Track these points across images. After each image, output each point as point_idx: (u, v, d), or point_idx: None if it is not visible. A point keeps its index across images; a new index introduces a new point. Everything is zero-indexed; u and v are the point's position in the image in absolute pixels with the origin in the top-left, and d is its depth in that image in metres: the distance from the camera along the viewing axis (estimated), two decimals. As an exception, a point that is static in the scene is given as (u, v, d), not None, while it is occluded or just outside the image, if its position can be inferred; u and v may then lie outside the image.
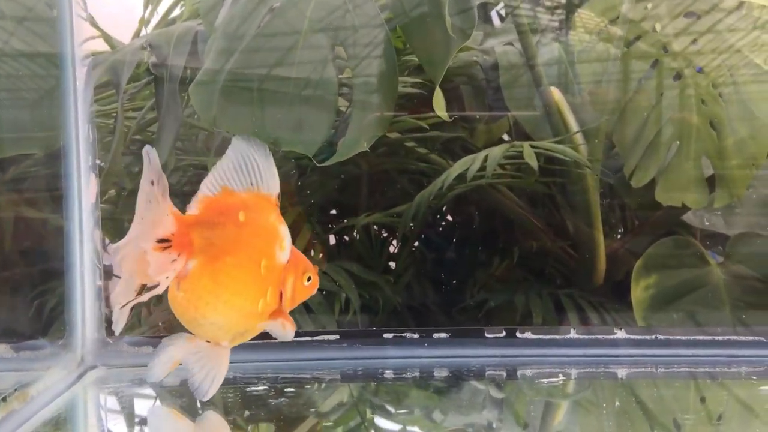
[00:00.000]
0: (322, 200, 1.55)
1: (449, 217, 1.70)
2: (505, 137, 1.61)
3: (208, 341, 0.91)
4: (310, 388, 1.04)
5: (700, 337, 1.09)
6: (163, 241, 0.86)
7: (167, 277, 0.87)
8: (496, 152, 1.32)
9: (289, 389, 1.04)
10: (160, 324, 1.40)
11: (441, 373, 1.05)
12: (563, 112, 1.42)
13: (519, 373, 1.05)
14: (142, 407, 1.04)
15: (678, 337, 1.08)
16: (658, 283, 1.35)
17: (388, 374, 1.06)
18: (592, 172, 1.43)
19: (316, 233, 1.52)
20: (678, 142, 1.40)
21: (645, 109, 1.44)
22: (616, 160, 1.53)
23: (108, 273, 1.98)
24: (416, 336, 1.14)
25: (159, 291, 0.87)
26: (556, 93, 1.43)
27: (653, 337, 1.08)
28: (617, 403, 0.96)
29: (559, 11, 1.61)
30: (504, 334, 1.11)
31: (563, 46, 1.57)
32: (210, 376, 0.92)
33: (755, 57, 1.26)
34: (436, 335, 1.12)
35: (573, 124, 1.43)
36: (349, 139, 1.10)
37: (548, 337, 1.10)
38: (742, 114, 1.30)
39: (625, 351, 1.06)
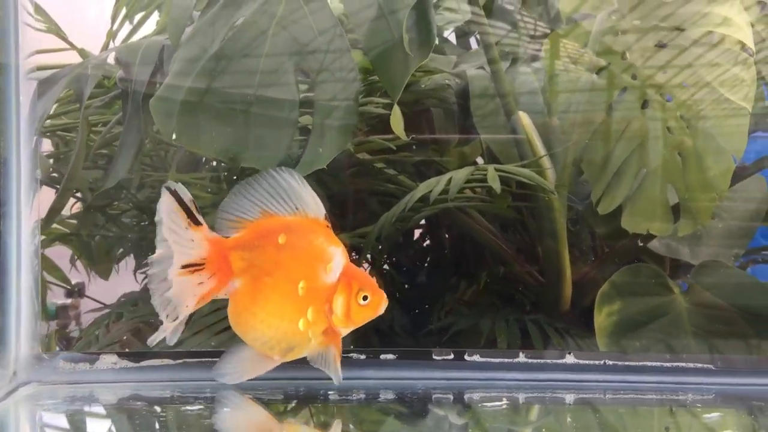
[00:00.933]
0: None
1: (419, 240, 1.69)
2: (480, 160, 1.62)
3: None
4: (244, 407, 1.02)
5: (648, 363, 1.08)
6: (190, 266, 0.94)
7: (195, 295, 0.95)
8: (460, 174, 1.32)
9: (225, 409, 1.02)
10: (117, 342, 1.37)
11: (387, 396, 1.04)
12: (531, 136, 1.42)
13: (466, 396, 1.03)
14: (75, 425, 1.01)
15: (626, 363, 1.08)
16: (621, 310, 1.34)
17: (332, 396, 1.04)
18: (558, 198, 1.43)
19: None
20: (645, 170, 1.40)
21: (613, 136, 1.45)
22: (585, 187, 1.53)
23: (72, 292, 1.96)
24: (362, 357, 1.12)
25: (187, 311, 0.95)
26: (524, 118, 1.43)
27: (602, 362, 1.07)
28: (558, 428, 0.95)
29: (532, 36, 1.63)
30: (452, 356, 1.10)
31: (534, 71, 1.58)
32: (239, 370, 0.98)
33: (724, 90, 1.27)
34: (383, 356, 1.10)
35: (541, 149, 1.43)
36: (308, 158, 1.10)
37: (497, 360, 1.09)
38: (708, 145, 1.30)
39: (574, 376, 1.05)
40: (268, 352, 0.98)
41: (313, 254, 0.96)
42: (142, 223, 1.64)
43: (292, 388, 1.08)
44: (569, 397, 1.01)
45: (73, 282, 1.94)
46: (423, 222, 1.69)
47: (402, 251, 1.68)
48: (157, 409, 0.98)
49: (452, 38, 1.85)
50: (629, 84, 1.41)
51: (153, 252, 0.99)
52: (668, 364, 1.08)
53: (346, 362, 1.09)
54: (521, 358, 1.09)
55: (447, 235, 1.66)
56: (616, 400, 1.01)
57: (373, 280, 0.99)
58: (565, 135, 1.50)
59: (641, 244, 1.46)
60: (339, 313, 0.96)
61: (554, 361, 1.08)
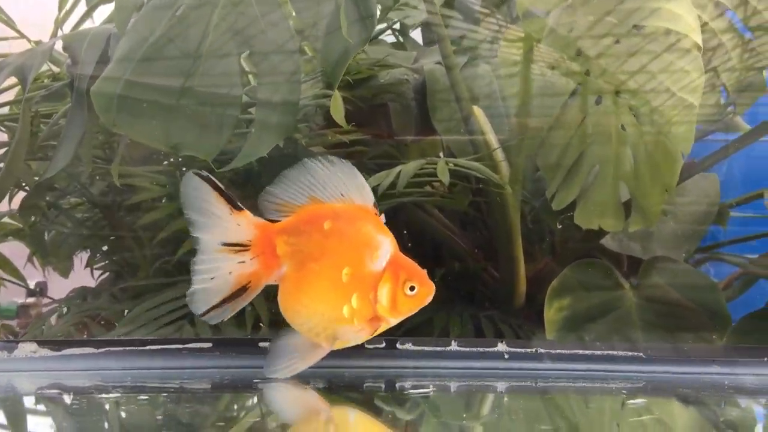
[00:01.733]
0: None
1: None
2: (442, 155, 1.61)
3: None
4: (167, 397, 1.00)
5: (580, 352, 1.08)
6: (232, 245, 0.95)
7: (230, 273, 0.95)
8: (409, 168, 1.31)
9: (142, 397, 1.00)
10: (60, 334, 1.35)
11: (317, 384, 1.02)
12: (485, 131, 1.42)
13: (398, 385, 1.03)
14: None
15: (558, 351, 1.08)
16: (571, 305, 1.35)
17: (262, 384, 1.03)
18: (512, 194, 1.43)
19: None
20: (597, 167, 1.40)
21: (568, 132, 1.45)
22: (543, 183, 1.53)
23: (34, 291, 1.92)
24: None
25: (231, 287, 0.95)
26: (478, 112, 1.43)
27: (534, 350, 1.07)
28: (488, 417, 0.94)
29: (489, 30, 1.63)
30: (384, 345, 1.09)
31: (492, 66, 1.58)
32: (288, 363, 0.97)
33: (672, 86, 1.28)
34: None
35: (495, 144, 1.43)
36: (249, 148, 1.09)
37: (429, 348, 1.08)
38: (657, 142, 1.31)
39: (507, 364, 1.04)
40: (314, 339, 0.97)
41: (359, 241, 0.96)
42: (96, 218, 1.62)
43: (217, 376, 1.06)
44: (501, 386, 1.01)
45: (37, 280, 1.91)
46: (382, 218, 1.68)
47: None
48: (75, 397, 0.96)
49: (419, 34, 1.85)
50: (584, 80, 1.41)
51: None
52: (599, 353, 1.09)
53: None
54: (453, 346, 1.08)
55: (405, 231, 1.65)
56: (547, 388, 1.01)
57: (423, 271, 0.98)
58: (522, 131, 1.50)
59: (595, 241, 1.47)
60: (384, 302, 0.95)
61: (486, 349, 1.07)
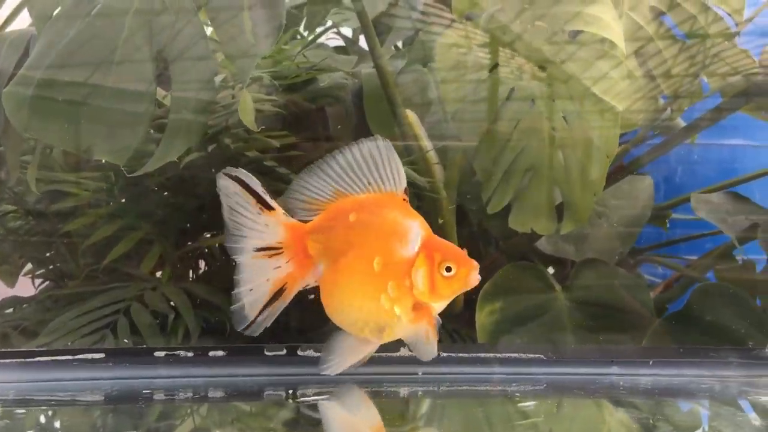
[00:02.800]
0: (179, 220, 1.50)
1: None
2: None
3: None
4: (50, 409, 0.96)
5: (482, 355, 1.08)
6: (265, 250, 0.93)
7: (267, 280, 0.94)
8: None
9: (18, 411, 0.96)
10: None
11: (215, 394, 1.01)
12: (418, 134, 1.42)
13: (299, 392, 1.01)
14: None
15: (461, 355, 1.07)
16: (503, 308, 1.35)
17: (158, 396, 1.01)
18: (446, 198, 1.43)
19: (168, 253, 1.46)
20: (531, 170, 1.41)
21: (504, 135, 1.45)
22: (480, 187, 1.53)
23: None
24: (190, 354, 1.08)
25: (265, 296, 0.94)
26: (411, 116, 1.42)
27: (437, 354, 1.06)
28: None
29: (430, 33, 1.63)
30: (285, 352, 1.08)
31: (430, 70, 1.58)
32: (339, 359, 0.96)
33: (597, 90, 1.29)
34: (212, 353, 1.07)
35: (428, 147, 1.42)
36: (161, 151, 1.07)
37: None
38: (585, 144, 1.32)
39: (410, 369, 1.03)
40: (360, 334, 0.96)
41: (386, 229, 0.94)
42: (28, 226, 1.59)
43: (108, 387, 1.03)
44: (404, 390, 1.00)
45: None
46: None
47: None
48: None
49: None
50: (517, 84, 1.42)
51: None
52: (501, 355, 1.08)
53: (173, 360, 1.04)
54: None
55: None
56: (450, 392, 1.00)
57: (462, 251, 0.95)
58: (458, 134, 1.50)
59: (531, 244, 1.47)
60: (421, 286, 0.93)
61: (389, 354, 1.06)
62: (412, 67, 1.62)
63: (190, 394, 1.01)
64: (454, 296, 0.96)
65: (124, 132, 1.05)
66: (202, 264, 1.59)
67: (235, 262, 0.98)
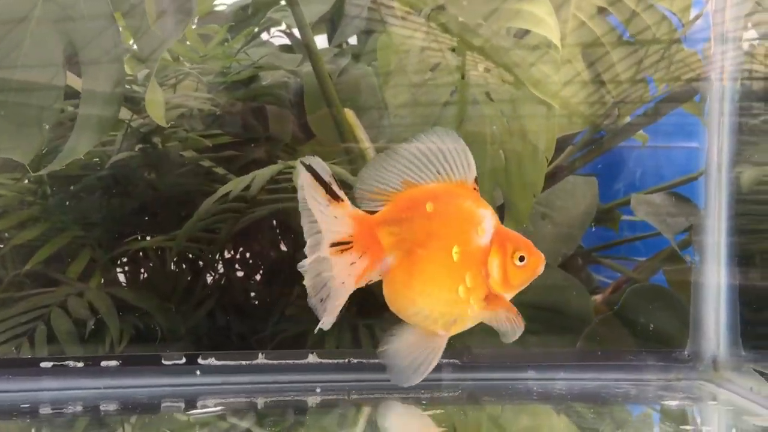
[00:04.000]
0: (111, 222, 1.45)
1: (254, 244, 1.63)
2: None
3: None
4: None
5: None
6: (339, 245, 0.89)
7: (350, 275, 0.91)
8: (265, 173, 1.26)
9: None
10: None
11: (108, 407, 0.96)
12: (357, 133, 1.39)
13: (199, 403, 0.97)
14: None
15: (371, 361, 1.04)
16: (442, 312, 1.31)
17: (45, 409, 0.95)
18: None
19: (99, 257, 1.41)
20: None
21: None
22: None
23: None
24: (81, 365, 1.04)
25: (345, 292, 0.91)
26: (350, 115, 1.39)
27: (346, 361, 1.03)
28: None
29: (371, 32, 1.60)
30: (184, 360, 1.03)
31: (374, 69, 1.55)
32: (415, 363, 0.92)
33: (534, 89, 1.27)
34: (104, 363, 1.02)
35: (367, 148, 1.39)
36: (68, 149, 1.02)
37: (234, 363, 1.02)
38: (524, 144, 1.30)
39: (318, 377, 1.00)
40: (431, 327, 0.93)
41: (463, 218, 0.92)
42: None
43: None
44: (312, 400, 0.96)
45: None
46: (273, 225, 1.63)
47: (237, 254, 1.61)
48: None
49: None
50: (459, 84, 1.40)
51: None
52: None
53: (61, 371, 0.98)
54: (260, 359, 1.03)
55: (283, 238, 1.60)
56: (359, 400, 0.97)
57: (529, 241, 0.94)
58: (402, 134, 1.47)
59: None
60: (496, 276, 0.92)
61: (296, 361, 1.03)
62: (356, 66, 1.59)
63: (80, 408, 0.96)
64: (523, 287, 0.96)
65: (29, 126, 1.00)
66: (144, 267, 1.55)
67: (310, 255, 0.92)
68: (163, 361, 1.01)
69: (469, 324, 0.95)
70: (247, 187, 1.27)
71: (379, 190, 0.94)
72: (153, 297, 1.37)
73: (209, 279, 1.64)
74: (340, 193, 0.91)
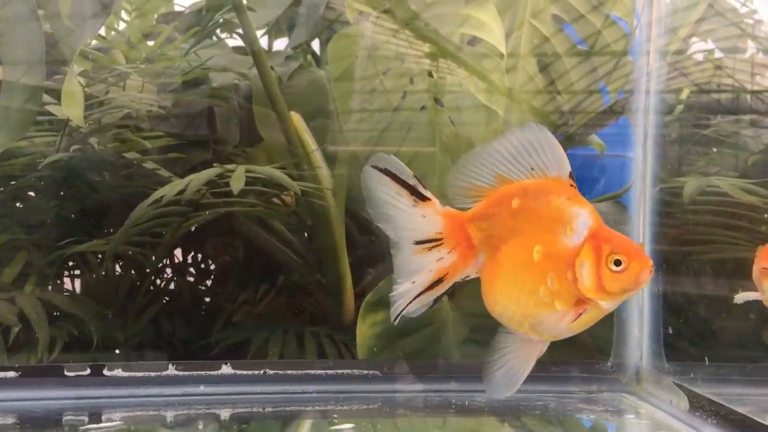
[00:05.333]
0: (50, 225, 1.41)
1: (202, 249, 1.60)
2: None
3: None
4: None
5: (311, 372, 1.02)
6: (426, 242, 0.87)
7: (430, 271, 0.87)
8: (201, 176, 1.24)
9: None
10: None
11: (6, 420, 0.91)
12: (304, 137, 1.37)
13: (105, 416, 0.93)
14: None
15: (287, 372, 1.02)
16: (386, 319, 1.29)
17: None
18: (334, 205, 1.38)
19: (36, 260, 1.36)
20: (421, 177, 1.37)
21: (397, 140, 1.41)
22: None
23: None
24: None
25: (438, 291, 0.88)
26: (296, 118, 1.37)
27: (262, 372, 1.01)
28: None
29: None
30: (89, 371, 1.00)
31: (326, 72, 1.54)
32: (509, 373, 0.88)
33: (480, 95, 1.27)
34: (1, 374, 0.97)
35: (313, 152, 1.37)
36: None
37: (141, 374, 0.99)
38: (468, 145, 1.29)
39: (232, 389, 0.97)
40: (518, 329, 0.88)
41: (550, 216, 0.86)
42: None
43: None
44: (224, 413, 0.93)
45: None
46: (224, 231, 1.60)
47: (183, 261, 1.58)
48: None
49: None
50: (409, 89, 1.38)
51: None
52: (332, 372, 1.03)
53: None
54: (170, 370, 1.00)
55: (229, 244, 1.57)
56: (275, 413, 0.94)
57: (637, 245, 0.86)
58: (352, 138, 1.45)
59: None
60: (585, 280, 0.84)
61: (208, 372, 1.00)
62: (308, 70, 1.57)
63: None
64: (626, 296, 0.86)
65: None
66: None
67: (393, 253, 0.89)
68: (65, 373, 0.97)
69: (558, 331, 0.87)
70: (182, 191, 1.24)
71: (472, 186, 0.90)
72: (90, 303, 1.33)
73: (157, 284, 1.61)
74: (426, 192, 0.89)
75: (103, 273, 1.46)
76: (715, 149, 1.52)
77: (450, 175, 0.92)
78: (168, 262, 1.62)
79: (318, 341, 1.39)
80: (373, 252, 1.57)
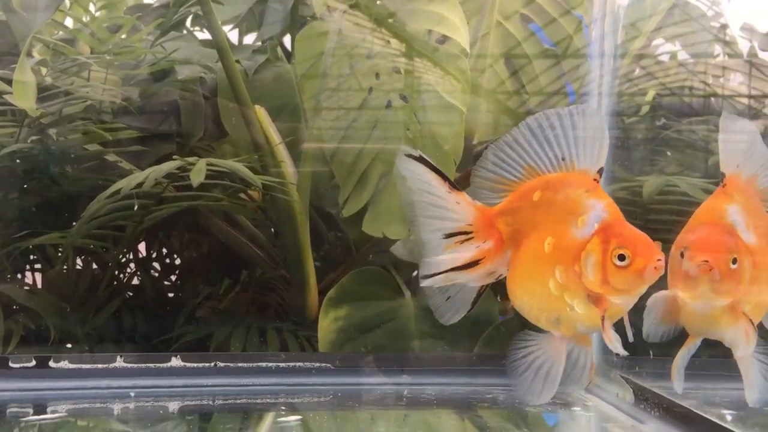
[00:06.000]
0: (7, 218, 1.38)
1: (163, 246, 1.58)
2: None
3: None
4: None
5: (263, 365, 1.02)
6: (456, 234, 0.85)
7: (457, 262, 0.85)
8: (161, 169, 1.23)
9: None
10: None
11: None
12: (268, 131, 1.36)
13: (50, 409, 0.92)
14: None
15: (238, 365, 1.02)
16: (348, 315, 1.30)
17: None
18: (298, 201, 1.37)
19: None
20: (386, 174, 1.38)
21: (362, 137, 1.41)
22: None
23: None
24: None
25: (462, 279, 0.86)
26: (260, 112, 1.36)
27: (212, 365, 1.00)
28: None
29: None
30: (34, 363, 0.98)
31: (293, 67, 1.53)
32: (537, 374, 0.84)
33: (443, 93, 1.27)
34: None
35: (277, 146, 1.37)
36: None
37: (89, 366, 0.98)
38: (435, 147, 1.30)
39: (182, 381, 0.97)
40: (536, 323, 0.85)
41: (565, 208, 0.82)
42: None
43: None
44: (173, 405, 0.93)
45: None
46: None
47: (148, 255, 1.56)
48: None
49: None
50: (375, 84, 1.38)
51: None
52: (284, 365, 1.03)
53: None
54: (119, 362, 0.99)
55: (194, 239, 1.56)
56: (226, 406, 0.94)
57: (648, 240, 0.79)
58: (317, 135, 1.45)
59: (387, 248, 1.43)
60: (590, 274, 0.79)
61: (157, 365, 0.99)
62: (275, 64, 1.56)
63: None
64: (634, 292, 0.80)
65: None
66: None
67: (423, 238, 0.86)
68: (10, 364, 0.95)
69: (581, 327, 0.82)
70: (141, 184, 1.22)
71: (498, 179, 0.87)
72: (48, 297, 1.31)
73: (120, 279, 1.59)
74: (456, 186, 0.86)
75: (65, 267, 1.44)
76: (674, 151, 1.55)
77: (476, 167, 0.89)
78: (132, 257, 1.61)
79: (281, 337, 1.39)
80: (338, 248, 1.57)
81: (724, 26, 1.66)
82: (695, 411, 0.89)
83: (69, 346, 1.20)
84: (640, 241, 0.80)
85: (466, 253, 0.87)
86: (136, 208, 1.31)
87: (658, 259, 0.78)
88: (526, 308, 0.87)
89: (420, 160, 0.86)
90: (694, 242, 0.86)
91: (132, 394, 0.92)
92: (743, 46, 1.62)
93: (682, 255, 0.85)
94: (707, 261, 0.83)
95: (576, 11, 1.48)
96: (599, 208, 0.82)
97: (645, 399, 0.98)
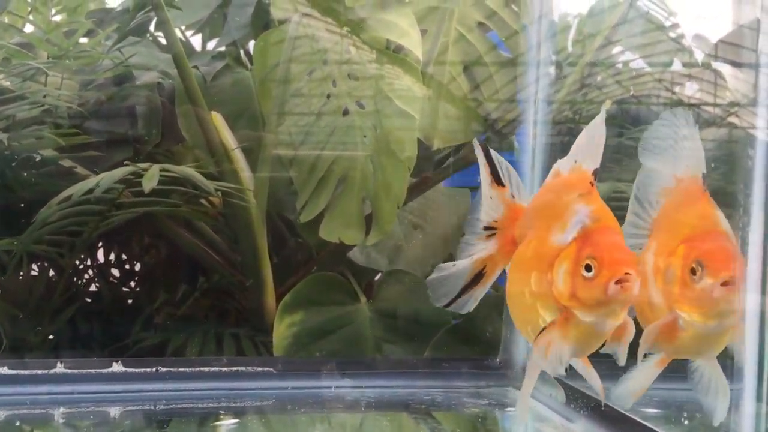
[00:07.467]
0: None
1: (121, 252, 1.57)
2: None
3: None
4: None
5: (205, 369, 1.03)
6: (486, 229, 0.83)
7: (470, 256, 0.82)
8: (114, 174, 1.22)
9: None
10: None
11: None
12: (224, 137, 1.36)
13: None
14: None
15: (181, 370, 1.02)
16: (303, 320, 1.31)
17: None
18: (255, 206, 1.38)
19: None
20: (343, 180, 1.39)
21: (320, 143, 1.42)
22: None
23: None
24: None
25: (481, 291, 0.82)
26: (216, 118, 1.37)
27: (154, 370, 1.01)
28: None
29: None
30: None
31: (252, 73, 1.53)
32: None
33: (398, 101, 1.29)
34: None
35: (234, 150, 1.37)
36: None
37: (27, 372, 0.98)
38: (389, 153, 1.31)
39: (123, 387, 0.97)
40: (522, 333, 0.80)
41: (549, 212, 0.76)
42: None
43: None
44: (114, 411, 0.93)
45: None
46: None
47: (105, 262, 1.55)
48: None
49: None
50: (332, 91, 1.39)
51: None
52: (226, 369, 1.04)
53: None
54: (59, 368, 0.99)
55: (151, 245, 1.55)
56: (169, 411, 0.94)
57: (626, 255, 0.70)
58: (275, 141, 1.46)
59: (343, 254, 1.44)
60: (559, 284, 0.71)
61: (98, 370, 0.99)
62: (234, 70, 1.56)
63: None
64: (601, 311, 0.70)
65: None
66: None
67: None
68: None
69: (555, 341, 0.72)
70: (91, 190, 1.22)
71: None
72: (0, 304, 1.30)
73: (77, 285, 1.57)
74: (503, 178, 0.83)
75: (20, 274, 1.42)
76: (628, 158, 1.58)
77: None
78: (89, 263, 1.60)
79: (238, 342, 1.39)
80: (299, 253, 1.58)
81: (680, 36, 1.71)
82: (620, 410, 0.91)
83: (20, 354, 1.19)
84: (614, 254, 0.72)
85: (462, 265, 0.84)
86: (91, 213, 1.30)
87: (626, 273, 0.69)
88: (513, 316, 0.82)
89: (483, 148, 0.84)
90: (712, 255, 0.73)
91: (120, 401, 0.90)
92: (698, 55, 1.67)
93: (693, 272, 0.72)
94: (733, 276, 0.71)
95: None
96: (583, 213, 0.75)
97: (575, 399, 1.00)
